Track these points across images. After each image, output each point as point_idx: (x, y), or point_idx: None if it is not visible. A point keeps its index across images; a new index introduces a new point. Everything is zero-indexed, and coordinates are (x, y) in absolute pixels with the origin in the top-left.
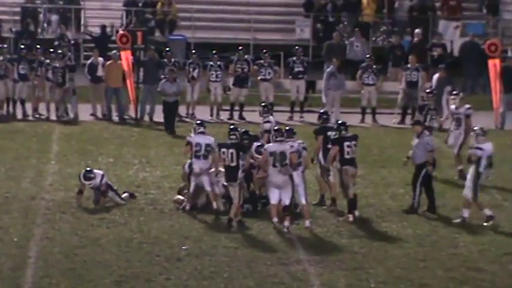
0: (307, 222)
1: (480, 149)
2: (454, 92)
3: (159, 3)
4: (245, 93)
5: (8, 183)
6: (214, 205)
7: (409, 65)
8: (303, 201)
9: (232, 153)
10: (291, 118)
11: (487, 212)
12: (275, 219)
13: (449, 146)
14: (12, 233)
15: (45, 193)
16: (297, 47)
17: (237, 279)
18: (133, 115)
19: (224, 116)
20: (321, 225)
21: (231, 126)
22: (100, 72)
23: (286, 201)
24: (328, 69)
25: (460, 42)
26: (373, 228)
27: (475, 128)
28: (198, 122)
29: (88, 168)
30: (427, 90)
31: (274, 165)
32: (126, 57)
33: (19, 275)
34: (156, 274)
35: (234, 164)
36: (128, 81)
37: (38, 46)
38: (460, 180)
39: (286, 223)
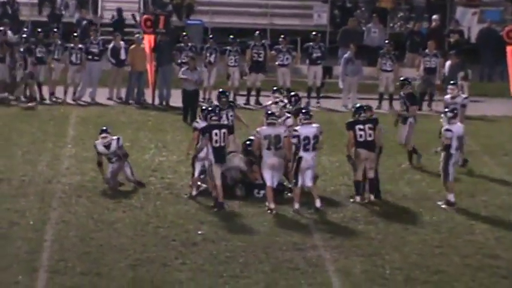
0: (317, 202)
1: (450, 130)
2: (452, 82)
3: None
4: (262, 78)
5: (25, 166)
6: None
7: (427, 51)
8: (309, 183)
9: (224, 133)
10: (307, 104)
11: (450, 197)
12: (272, 205)
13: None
14: (29, 216)
15: (61, 177)
16: (314, 33)
17: (253, 264)
18: (149, 100)
19: (241, 101)
20: (337, 211)
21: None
22: (123, 55)
23: (274, 183)
24: (346, 55)
25: (478, 28)
26: (389, 215)
27: (446, 110)
28: (204, 108)
29: (103, 135)
30: (437, 82)
31: (268, 148)
32: (149, 41)
33: (35, 258)
34: (171, 258)
35: (223, 144)
36: (148, 65)
37: (56, 29)
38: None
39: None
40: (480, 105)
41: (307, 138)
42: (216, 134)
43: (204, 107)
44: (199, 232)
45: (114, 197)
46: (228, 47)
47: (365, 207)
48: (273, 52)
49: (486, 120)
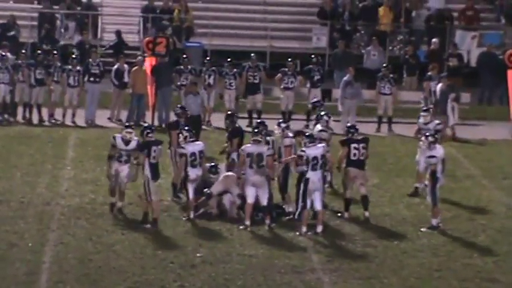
0: (319, 228)
1: (433, 156)
2: (424, 108)
3: (176, 10)
4: (260, 99)
5: (24, 188)
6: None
7: (430, 74)
8: (319, 207)
9: (161, 150)
10: (306, 126)
11: (434, 221)
12: (248, 222)
13: (417, 161)
14: (27, 238)
15: (60, 198)
16: (312, 56)
17: (251, 287)
18: (149, 122)
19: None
20: (336, 234)
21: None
22: (126, 78)
23: (264, 201)
24: (345, 78)
25: (477, 52)
26: (387, 237)
27: (427, 134)
28: (186, 129)
29: (129, 130)
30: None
31: (250, 167)
32: (150, 63)
33: (34, 280)
34: (170, 281)
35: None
36: (149, 88)
37: (55, 52)
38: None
39: (267, 221)
40: (479, 128)
41: (315, 158)
42: (154, 151)
43: (145, 126)
44: (198, 255)
45: (113, 219)
46: (225, 70)
47: (363, 230)
48: (278, 75)
49: (485, 143)
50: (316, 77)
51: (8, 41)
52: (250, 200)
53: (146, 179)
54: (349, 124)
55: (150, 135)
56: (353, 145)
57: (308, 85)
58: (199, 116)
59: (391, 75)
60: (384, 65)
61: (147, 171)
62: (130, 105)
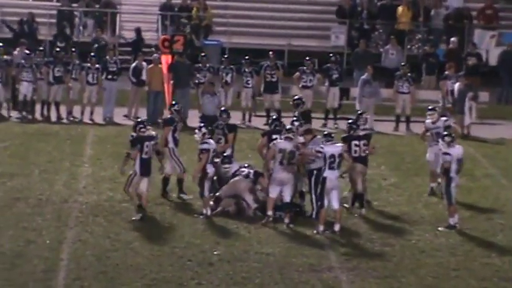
0: (337, 226)
1: (448, 154)
2: (430, 108)
3: (195, 8)
4: (278, 98)
5: (42, 185)
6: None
7: (447, 73)
8: (336, 206)
9: (153, 146)
10: (325, 125)
11: (452, 220)
12: (270, 212)
13: (428, 161)
14: (45, 235)
15: (78, 196)
16: (331, 54)
17: (269, 285)
18: None
19: (259, 122)
20: (354, 233)
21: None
22: (144, 76)
23: (287, 198)
24: (363, 77)
25: (496, 51)
26: (405, 237)
27: (444, 133)
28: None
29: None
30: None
31: (281, 163)
32: (166, 61)
33: (51, 277)
34: (187, 279)
35: (151, 156)
36: (165, 85)
37: (74, 49)
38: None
39: (286, 220)
40: (498, 128)
41: (332, 156)
42: (147, 146)
43: (138, 120)
44: (215, 252)
45: (131, 216)
46: (243, 68)
47: (381, 229)
48: (296, 74)
49: (504, 143)
50: (335, 76)
51: (26, 39)
52: (272, 195)
53: (134, 173)
54: (350, 121)
55: (142, 130)
56: (353, 142)
57: (326, 84)
58: (215, 116)
59: (409, 74)
60: (402, 63)
61: (137, 166)
62: (147, 103)
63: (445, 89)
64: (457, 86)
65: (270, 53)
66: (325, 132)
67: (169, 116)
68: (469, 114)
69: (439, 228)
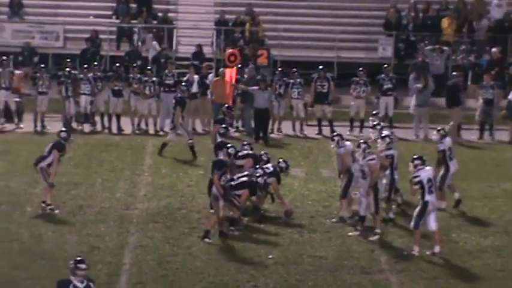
0: (437, 248)
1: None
2: (438, 128)
3: (248, 23)
4: (328, 109)
5: (104, 194)
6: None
7: (484, 83)
8: (434, 228)
9: None
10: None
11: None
12: (378, 231)
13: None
14: (108, 241)
15: (138, 203)
16: (385, 65)
17: (322, 287)
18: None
19: (311, 131)
20: (402, 236)
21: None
22: (195, 88)
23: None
24: (417, 85)
25: None
26: (452, 239)
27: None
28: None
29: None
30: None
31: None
32: (230, 75)
33: (114, 281)
34: (244, 281)
35: None
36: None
37: (135, 64)
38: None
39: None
40: None
41: (430, 180)
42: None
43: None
44: (270, 256)
45: (189, 222)
46: (291, 80)
47: (429, 232)
48: (352, 85)
49: None
50: (386, 86)
51: (90, 55)
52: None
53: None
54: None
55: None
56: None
57: (378, 94)
58: (266, 109)
59: (462, 83)
60: (454, 73)
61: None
62: (212, 114)
63: (478, 97)
64: (510, 95)
65: (320, 67)
66: (417, 156)
67: (220, 116)
68: None
69: None
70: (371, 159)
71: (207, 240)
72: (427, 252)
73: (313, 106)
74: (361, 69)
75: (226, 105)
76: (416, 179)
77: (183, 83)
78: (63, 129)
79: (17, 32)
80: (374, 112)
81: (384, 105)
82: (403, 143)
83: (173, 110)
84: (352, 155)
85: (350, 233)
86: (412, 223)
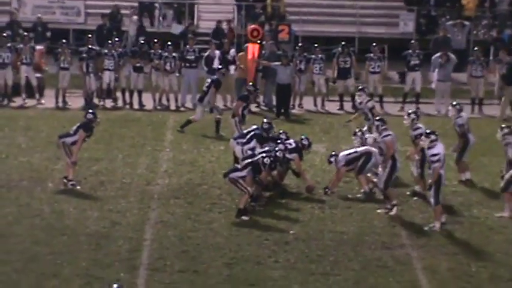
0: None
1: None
2: (454, 103)
3: None
4: (352, 83)
5: (125, 169)
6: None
7: (500, 58)
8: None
9: None
10: (402, 109)
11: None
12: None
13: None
14: (129, 216)
15: (159, 179)
16: (412, 41)
17: (343, 262)
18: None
19: (332, 107)
20: (423, 212)
21: None
22: (216, 64)
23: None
24: (439, 60)
25: None
26: (473, 214)
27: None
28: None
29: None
30: None
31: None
32: (252, 50)
33: (136, 257)
34: (265, 257)
35: None
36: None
37: (156, 40)
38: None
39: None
40: None
41: (444, 156)
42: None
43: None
44: (291, 232)
45: (210, 198)
46: (313, 56)
47: (450, 208)
48: (367, 62)
49: None
50: (413, 62)
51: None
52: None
53: None
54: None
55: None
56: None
57: (405, 69)
58: (289, 85)
59: (482, 59)
60: (475, 48)
61: None
62: (235, 89)
63: (494, 72)
64: None
65: (342, 43)
66: (427, 131)
67: (245, 93)
68: None
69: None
70: (386, 136)
71: (244, 218)
72: (447, 228)
73: (335, 82)
74: (374, 44)
75: (251, 84)
76: (436, 157)
77: (219, 67)
78: (90, 110)
79: (38, 8)
80: (360, 87)
81: (411, 81)
82: (424, 118)
83: (206, 89)
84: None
85: (378, 210)
86: (432, 199)
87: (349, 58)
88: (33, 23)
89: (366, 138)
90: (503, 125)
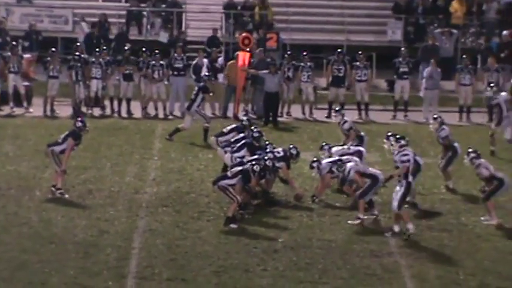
0: (396, 228)
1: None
2: (435, 116)
3: (257, 7)
4: (343, 92)
5: (113, 177)
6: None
7: (489, 66)
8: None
9: None
10: (394, 117)
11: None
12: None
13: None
14: (117, 225)
15: (148, 187)
16: (402, 48)
17: (331, 270)
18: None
19: (320, 114)
20: (412, 220)
21: None
22: (204, 72)
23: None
24: (427, 69)
25: None
26: (461, 222)
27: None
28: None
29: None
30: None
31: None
32: (243, 58)
33: (124, 265)
34: (253, 265)
35: None
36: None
37: (144, 47)
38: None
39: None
40: None
41: (414, 162)
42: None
43: None
44: (280, 240)
45: (199, 206)
46: (301, 63)
47: (438, 216)
48: (353, 71)
49: None
50: (403, 69)
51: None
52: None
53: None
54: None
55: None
56: None
57: (394, 77)
58: (277, 93)
59: (471, 66)
60: (463, 56)
61: None
62: (224, 97)
63: (483, 80)
64: None
65: (338, 50)
66: (398, 136)
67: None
68: None
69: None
70: (404, 155)
71: (232, 226)
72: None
73: (328, 89)
74: (360, 52)
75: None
76: (405, 157)
77: (206, 74)
78: (79, 118)
79: (26, 16)
80: (337, 108)
81: (400, 89)
82: (412, 126)
83: (194, 96)
84: None
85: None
86: (395, 203)
87: (343, 66)
88: (25, 32)
89: (332, 152)
90: (469, 150)
